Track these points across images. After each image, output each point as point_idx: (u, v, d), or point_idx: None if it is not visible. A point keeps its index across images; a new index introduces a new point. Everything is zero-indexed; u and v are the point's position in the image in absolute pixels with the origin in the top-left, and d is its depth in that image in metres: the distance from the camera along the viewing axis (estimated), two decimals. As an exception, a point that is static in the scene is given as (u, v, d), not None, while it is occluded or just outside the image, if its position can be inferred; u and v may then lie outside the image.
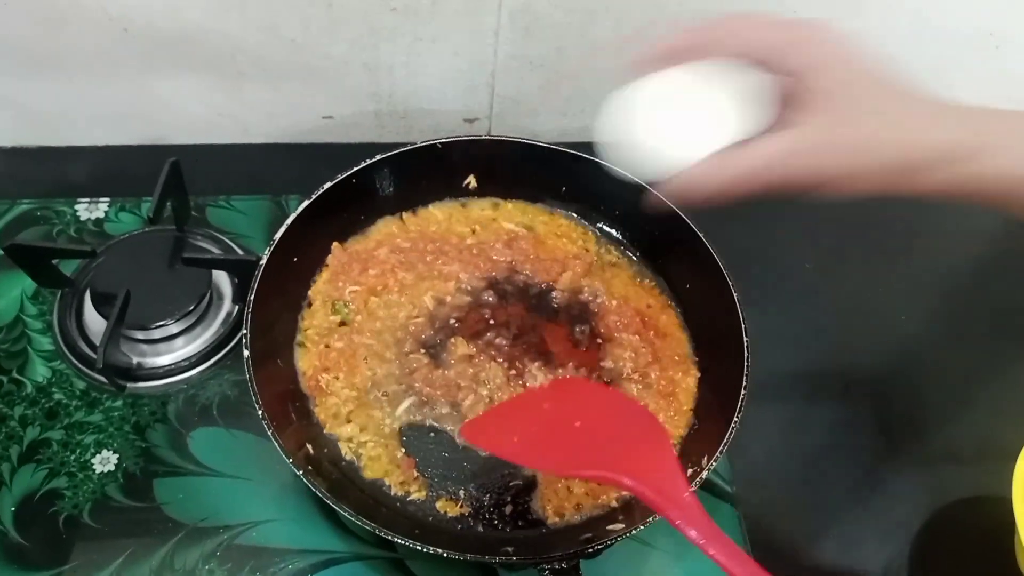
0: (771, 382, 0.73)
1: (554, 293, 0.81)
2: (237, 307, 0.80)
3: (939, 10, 0.90)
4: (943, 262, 0.94)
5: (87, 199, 0.88)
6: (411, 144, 0.80)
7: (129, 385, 0.75)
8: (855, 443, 0.80)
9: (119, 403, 0.74)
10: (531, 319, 0.79)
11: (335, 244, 0.80)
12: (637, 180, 0.80)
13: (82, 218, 0.87)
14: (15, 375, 0.75)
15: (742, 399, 0.67)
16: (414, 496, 0.68)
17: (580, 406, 0.65)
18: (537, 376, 0.74)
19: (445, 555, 0.59)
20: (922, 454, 0.79)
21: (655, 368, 0.76)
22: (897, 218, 0.98)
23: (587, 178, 0.82)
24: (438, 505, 0.68)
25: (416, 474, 0.69)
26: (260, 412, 0.63)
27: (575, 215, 0.87)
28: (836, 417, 0.81)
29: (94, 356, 0.70)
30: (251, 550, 0.68)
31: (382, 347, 0.75)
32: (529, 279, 0.81)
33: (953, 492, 0.76)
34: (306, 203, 0.75)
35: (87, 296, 0.77)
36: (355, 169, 0.78)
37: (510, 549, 0.64)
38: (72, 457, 0.71)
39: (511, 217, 0.86)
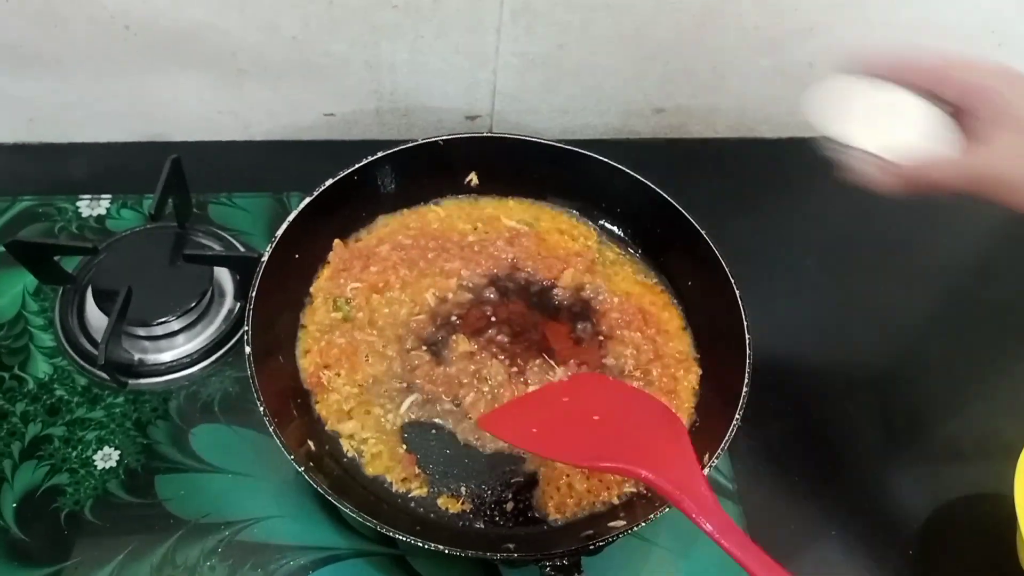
0: (773, 378, 0.73)
1: (556, 290, 0.81)
2: (239, 304, 0.80)
3: (941, 7, 0.90)
4: (945, 258, 0.94)
5: (89, 196, 0.88)
6: (412, 141, 0.81)
7: (131, 381, 0.75)
8: (857, 440, 0.80)
9: (121, 399, 0.74)
10: (532, 316, 0.79)
11: (337, 241, 0.80)
12: (640, 178, 0.80)
13: (84, 215, 0.87)
14: (17, 371, 0.75)
15: (744, 397, 0.67)
16: (415, 493, 0.68)
17: (598, 401, 0.65)
18: (538, 373, 0.74)
19: (446, 552, 0.59)
20: (924, 451, 0.79)
21: (657, 365, 0.76)
22: (899, 214, 0.98)
23: (589, 175, 0.82)
24: (439, 502, 0.68)
25: (417, 471, 0.69)
26: (261, 409, 0.63)
27: (577, 212, 0.87)
28: (838, 414, 0.81)
29: (96, 352, 0.70)
30: (252, 546, 0.68)
31: (383, 344, 0.75)
32: (531, 276, 0.81)
33: (955, 489, 0.76)
34: (307, 200, 0.75)
35: (89, 292, 0.78)
36: (356, 166, 0.78)
37: (511, 546, 0.64)
38: (74, 453, 0.71)
39: (513, 214, 0.86)
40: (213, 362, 0.77)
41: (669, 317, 0.80)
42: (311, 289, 0.78)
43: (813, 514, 0.74)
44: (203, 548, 0.67)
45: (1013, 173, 0.56)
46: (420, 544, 0.59)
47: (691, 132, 1.02)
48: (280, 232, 0.73)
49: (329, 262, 0.80)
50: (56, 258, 0.78)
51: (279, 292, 0.74)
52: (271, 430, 0.63)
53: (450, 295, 0.79)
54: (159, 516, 0.68)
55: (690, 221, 0.77)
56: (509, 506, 0.68)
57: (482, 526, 0.67)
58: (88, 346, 0.76)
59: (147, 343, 0.77)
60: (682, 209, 0.78)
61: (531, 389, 0.73)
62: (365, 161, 0.78)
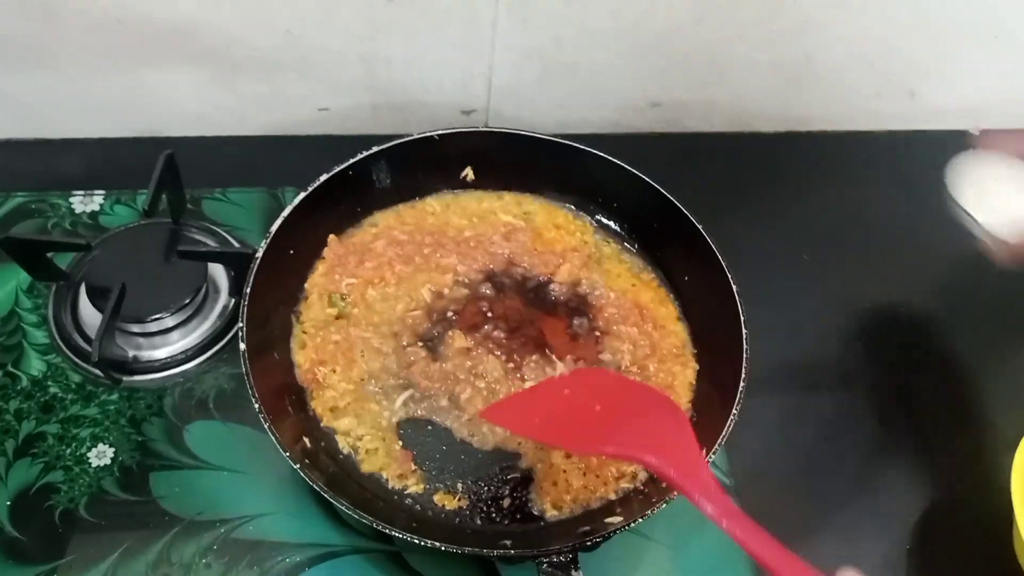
0: (770, 374, 0.73)
1: (552, 286, 0.80)
2: (233, 300, 0.80)
3: (938, 2, 0.90)
4: (941, 254, 0.94)
5: (82, 192, 0.88)
6: (408, 136, 0.80)
7: (125, 379, 0.75)
8: (853, 435, 0.80)
9: (115, 397, 0.74)
10: (529, 312, 0.78)
11: (332, 237, 0.80)
12: (636, 172, 0.80)
13: (77, 211, 0.86)
14: (10, 369, 0.75)
15: (741, 392, 0.67)
16: (412, 489, 0.68)
17: (600, 392, 0.65)
18: (535, 369, 0.74)
19: (443, 548, 0.59)
20: (920, 446, 0.79)
21: (653, 361, 0.75)
22: (895, 209, 0.98)
23: (585, 170, 0.82)
24: (436, 498, 0.68)
25: (414, 467, 0.69)
26: (257, 405, 0.63)
27: (573, 207, 0.86)
28: (834, 409, 0.81)
29: (90, 349, 0.70)
30: (248, 544, 0.67)
31: (379, 340, 0.75)
32: (527, 272, 0.81)
33: (952, 484, 0.76)
34: (302, 195, 0.75)
35: (82, 289, 0.77)
36: (351, 161, 0.78)
37: (508, 542, 0.64)
38: (68, 451, 0.71)
39: (509, 209, 0.85)
40: (208, 359, 0.77)
41: (666, 312, 0.80)
42: (306, 285, 0.78)
43: (810, 509, 0.74)
44: (199, 545, 0.67)
45: None
46: (417, 541, 0.59)
47: (688, 126, 1.02)
48: (275, 228, 0.72)
49: (324, 258, 0.79)
50: (49, 255, 0.77)
51: (274, 288, 0.73)
52: (266, 427, 0.62)
53: (446, 291, 0.79)
54: (154, 513, 0.68)
55: (687, 216, 0.77)
56: (506, 502, 0.68)
57: (479, 523, 0.67)
58: (82, 343, 0.76)
59: (141, 340, 0.76)
60: (679, 204, 0.78)
61: (528, 385, 0.73)
62: (360, 156, 0.78)
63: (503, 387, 0.73)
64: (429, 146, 0.81)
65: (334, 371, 0.73)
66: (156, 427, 0.73)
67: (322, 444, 0.70)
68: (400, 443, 0.70)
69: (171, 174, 0.79)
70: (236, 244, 0.84)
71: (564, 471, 0.69)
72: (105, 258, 0.78)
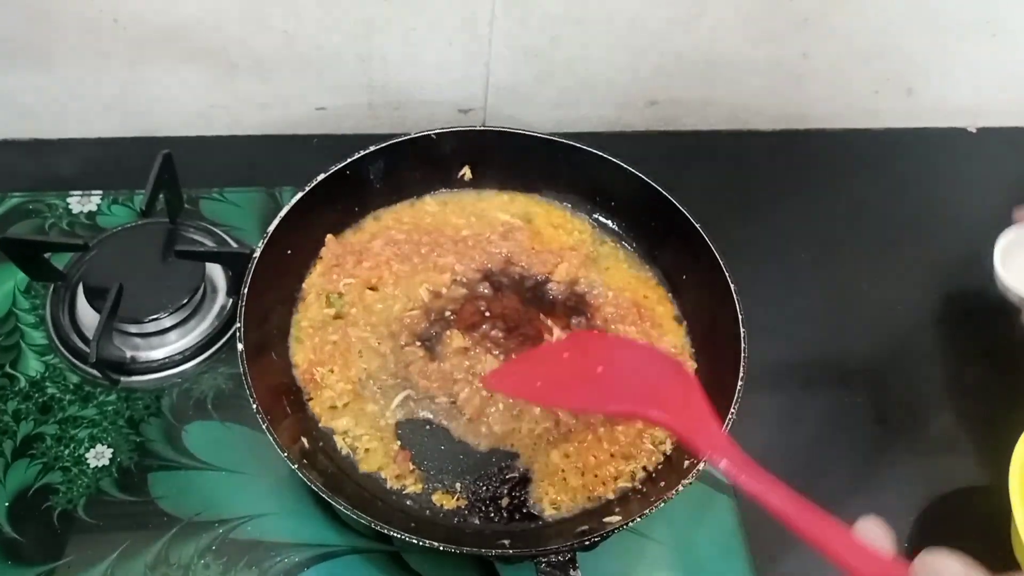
0: (767, 372, 0.73)
1: (550, 285, 0.80)
2: (231, 300, 0.80)
3: (936, 0, 0.90)
4: (938, 251, 0.94)
5: (79, 192, 0.87)
6: (405, 135, 0.80)
7: (123, 379, 0.75)
8: (851, 433, 0.80)
9: (113, 397, 0.74)
10: (527, 311, 0.78)
11: (329, 236, 0.80)
12: (634, 171, 0.80)
13: (74, 211, 0.86)
14: (8, 370, 0.75)
15: (738, 390, 0.66)
16: (410, 489, 0.68)
17: (600, 354, 0.65)
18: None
19: (441, 548, 0.59)
20: (918, 443, 0.79)
21: (651, 359, 0.75)
22: (893, 207, 0.98)
23: (583, 169, 0.82)
24: (434, 498, 0.68)
25: (412, 467, 0.69)
26: (254, 406, 0.63)
27: (571, 206, 0.86)
28: (832, 407, 0.81)
29: (87, 350, 0.70)
30: (247, 544, 0.67)
31: (377, 340, 0.75)
32: (525, 271, 0.81)
33: (949, 481, 0.76)
34: (300, 195, 0.75)
35: (80, 290, 0.77)
36: (349, 160, 0.78)
37: (506, 542, 0.64)
38: (66, 452, 0.71)
39: (506, 208, 0.85)
40: (206, 359, 0.77)
41: (664, 311, 0.80)
42: (304, 285, 0.78)
43: (808, 507, 0.74)
44: (197, 546, 0.67)
45: None
46: (415, 541, 0.59)
47: (685, 124, 1.02)
48: (272, 228, 0.72)
49: (322, 258, 0.79)
50: (47, 255, 0.77)
51: (272, 288, 0.73)
52: (264, 427, 0.62)
53: (444, 290, 0.78)
54: (152, 514, 0.68)
55: (684, 214, 0.77)
56: (504, 502, 0.68)
57: (477, 522, 0.67)
58: (80, 344, 0.75)
59: (139, 340, 0.76)
60: (676, 202, 0.78)
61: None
62: (357, 155, 0.78)
63: (501, 386, 0.73)
64: (426, 145, 0.81)
65: (332, 371, 0.73)
66: (154, 427, 0.73)
67: (320, 444, 0.70)
68: (398, 443, 0.70)
69: (168, 174, 0.79)
70: (234, 244, 0.83)
71: (562, 470, 0.69)
72: (102, 258, 0.78)
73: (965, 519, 0.74)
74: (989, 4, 0.92)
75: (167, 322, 0.76)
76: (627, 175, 0.80)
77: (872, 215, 0.96)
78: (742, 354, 0.69)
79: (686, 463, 0.66)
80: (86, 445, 0.71)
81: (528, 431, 0.71)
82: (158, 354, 0.76)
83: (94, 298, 0.74)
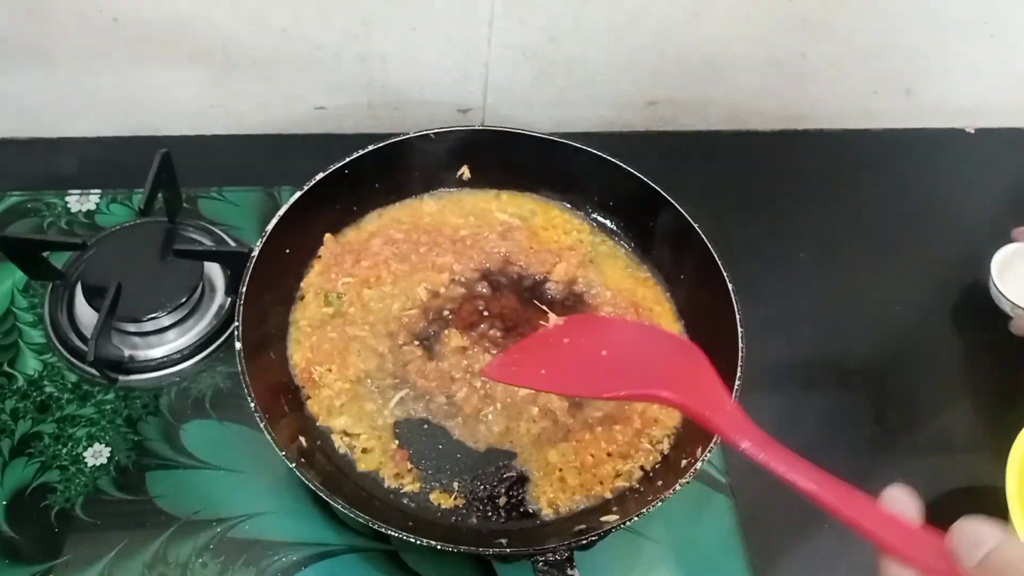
0: (765, 372, 0.73)
1: (548, 284, 0.80)
2: (229, 299, 0.80)
3: (935, 0, 0.90)
4: (937, 251, 0.94)
5: (78, 191, 0.87)
6: (404, 134, 0.80)
7: (121, 378, 0.75)
8: (849, 433, 0.80)
9: (111, 396, 0.74)
10: (525, 311, 0.78)
11: (328, 235, 0.80)
12: (633, 171, 0.80)
13: (73, 210, 0.86)
14: (6, 368, 0.75)
15: (736, 390, 0.66)
16: (408, 488, 0.68)
17: (601, 337, 0.63)
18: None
19: (439, 547, 0.59)
20: (916, 444, 0.79)
21: (649, 359, 0.75)
22: (891, 207, 0.98)
23: (581, 168, 0.82)
24: (432, 497, 0.68)
25: (410, 466, 0.69)
26: (252, 405, 0.63)
27: (569, 205, 0.86)
28: (830, 407, 0.81)
29: (85, 349, 0.70)
30: (245, 543, 0.67)
31: (375, 339, 0.75)
32: (523, 270, 0.81)
33: (947, 482, 0.76)
34: (298, 194, 0.75)
35: (78, 289, 0.77)
36: (347, 160, 0.78)
37: (504, 541, 0.64)
38: (64, 450, 0.71)
39: (505, 208, 0.85)
40: (204, 358, 0.77)
41: (662, 310, 0.80)
42: (302, 284, 0.78)
43: (806, 507, 0.74)
44: (195, 545, 0.67)
45: None
46: (413, 540, 0.59)
47: (684, 124, 1.02)
48: (270, 227, 0.72)
49: (320, 257, 0.79)
50: (45, 254, 0.77)
51: (270, 287, 0.73)
52: (262, 426, 0.62)
53: (442, 289, 0.79)
54: (150, 513, 0.68)
55: (683, 214, 0.77)
56: (502, 501, 0.68)
57: (475, 521, 0.67)
58: (78, 342, 0.75)
59: (137, 339, 0.76)
60: (675, 202, 0.77)
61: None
62: (356, 154, 0.78)
63: (499, 385, 0.72)
64: (425, 145, 0.81)
65: (330, 370, 0.73)
66: (152, 426, 0.73)
67: (318, 443, 0.70)
68: (396, 442, 0.70)
69: (167, 173, 0.79)
70: (232, 243, 0.83)
71: (560, 470, 0.69)
72: (101, 257, 0.78)
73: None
74: (988, 4, 0.92)
75: (165, 321, 0.76)
76: (626, 175, 0.80)
77: (871, 215, 0.96)
78: (740, 354, 0.68)
79: (683, 462, 0.67)
80: (84, 444, 0.71)
81: (526, 430, 0.71)
82: (156, 353, 0.76)
83: (92, 297, 0.74)
